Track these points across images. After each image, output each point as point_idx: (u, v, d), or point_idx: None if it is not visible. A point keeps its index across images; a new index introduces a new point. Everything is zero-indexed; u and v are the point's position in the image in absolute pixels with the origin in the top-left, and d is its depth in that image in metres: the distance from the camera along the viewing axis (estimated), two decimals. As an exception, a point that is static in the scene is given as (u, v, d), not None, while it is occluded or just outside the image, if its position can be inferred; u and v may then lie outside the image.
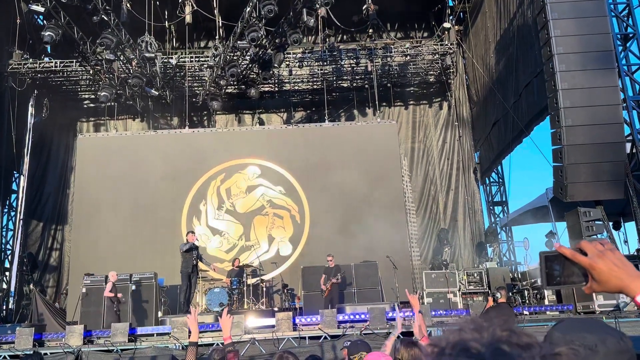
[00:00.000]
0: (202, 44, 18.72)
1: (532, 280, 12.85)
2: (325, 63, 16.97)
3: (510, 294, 11.79)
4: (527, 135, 13.30)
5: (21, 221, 15.92)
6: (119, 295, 11.04)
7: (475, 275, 12.67)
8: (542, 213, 13.51)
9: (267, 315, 10.75)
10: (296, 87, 17.92)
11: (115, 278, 11.11)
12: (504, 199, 17.42)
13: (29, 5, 12.42)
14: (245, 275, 13.22)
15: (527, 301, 12.64)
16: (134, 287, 11.85)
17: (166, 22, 16.28)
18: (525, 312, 10.99)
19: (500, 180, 17.60)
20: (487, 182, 17.69)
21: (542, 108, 11.83)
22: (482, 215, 17.17)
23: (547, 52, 10.38)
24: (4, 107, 15.64)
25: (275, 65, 15.06)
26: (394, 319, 9.77)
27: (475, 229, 16.82)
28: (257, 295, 12.88)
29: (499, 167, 17.39)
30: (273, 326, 9.71)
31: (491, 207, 17.45)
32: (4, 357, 9.41)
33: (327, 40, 16.94)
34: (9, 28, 15.21)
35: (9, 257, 16.20)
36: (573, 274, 1.23)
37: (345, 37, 18.61)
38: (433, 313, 10.41)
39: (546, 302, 11.81)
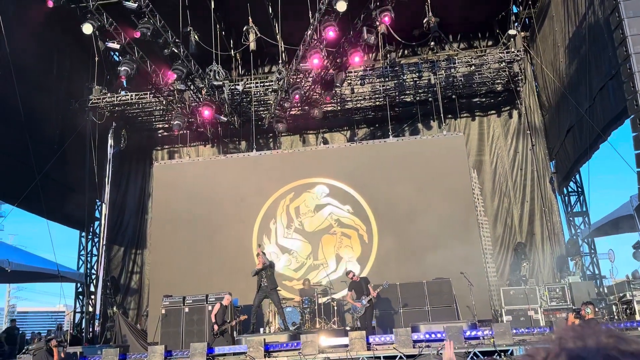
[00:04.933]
0: (266, 69, 19.23)
1: (621, 295, 12.01)
2: (387, 79, 16.90)
3: (597, 310, 11.06)
4: (604, 140, 12.57)
5: (104, 247, 16.82)
6: (233, 322, 11.49)
7: (558, 290, 12.02)
8: (628, 222, 12.66)
9: (339, 334, 10.67)
10: (358, 105, 17.94)
11: (227, 302, 11.61)
12: (584, 209, 16.44)
13: (106, 43, 13.29)
14: (316, 294, 13.25)
15: (615, 317, 11.83)
16: (210, 308, 12.16)
17: (232, 50, 16.92)
18: (614, 329, 10.24)
19: (580, 189, 16.65)
20: (565, 191, 16.78)
21: (620, 111, 11.15)
22: (562, 227, 16.31)
23: (623, 52, 9.81)
24: (86, 140, 16.75)
25: (338, 84, 15.18)
26: (471, 338, 9.43)
27: (554, 241, 15.99)
28: (328, 314, 12.86)
29: (577, 176, 16.46)
30: (346, 345, 9.62)
31: (571, 218, 16.52)
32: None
33: (388, 56, 16.89)
34: (88, 66, 16.35)
35: (94, 282, 17.14)
36: None
37: (406, 51, 18.50)
38: (514, 331, 9.94)
39: (637, 317, 10.98)
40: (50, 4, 11.31)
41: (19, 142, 13.20)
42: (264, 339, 9.86)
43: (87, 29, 12.41)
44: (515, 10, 16.80)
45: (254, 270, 11.51)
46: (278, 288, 12.62)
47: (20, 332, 16.99)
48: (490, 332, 9.49)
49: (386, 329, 11.40)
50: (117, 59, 16.57)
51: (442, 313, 11.73)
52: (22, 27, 13.30)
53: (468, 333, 9.60)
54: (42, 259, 16.19)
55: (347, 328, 12.01)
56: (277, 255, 15.12)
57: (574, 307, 11.50)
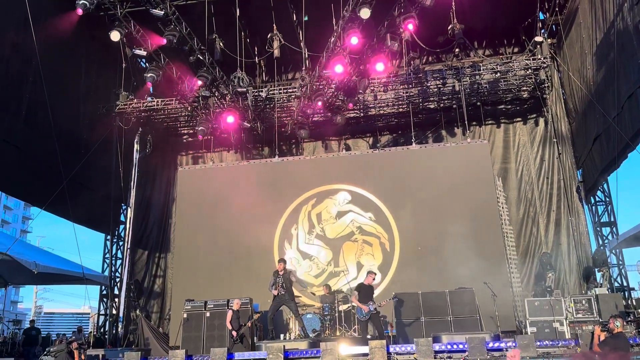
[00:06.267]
0: (290, 76, 19.33)
1: (650, 308, 11.68)
2: (410, 86, 16.80)
3: (625, 323, 10.76)
4: (633, 149, 12.26)
5: (128, 250, 17.05)
6: (249, 323, 11.55)
7: (584, 302, 11.75)
8: (658, 234, 12.30)
9: (359, 343, 10.58)
10: (381, 112, 17.88)
11: (237, 306, 11.62)
12: (612, 219, 16.04)
13: (133, 50, 13.54)
14: (336, 301, 13.18)
15: (644, 331, 11.49)
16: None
17: (256, 57, 17.06)
18: (642, 344, 9.96)
19: (607, 199, 16.25)
20: (593, 201, 16.41)
21: (650, 120, 10.89)
22: (589, 237, 15.95)
23: (654, 59, 9.59)
24: (113, 145, 17.05)
25: (360, 91, 15.16)
26: (494, 349, 9.27)
27: (581, 252, 15.65)
28: (349, 322, 12.77)
29: (605, 185, 16.10)
30: (366, 354, 9.55)
31: (598, 229, 16.14)
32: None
33: (412, 62, 16.80)
34: (115, 72, 16.67)
35: (118, 285, 17.38)
36: None
37: (430, 58, 18.39)
38: (538, 343, 9.73)
39: (668, 333, 10.65)
40: (80, 12, 11.58)
41: (47, 147, 13.48)
42: (284, 346, 9.85)
43: (115, 36, 12.66)
44: (542, 17, 16.57)
45: (271, 289, 11.53)
46: (298, 295, 12.60)
47: (45, 333, 17.26)
48: (514, 344, 9.31)
49: (407, 338, 11.28)
50: (143, 65, 16.84)
51: (464, 323, 11.54)
52: (52, 34, 13.61)
53: (491, 344, 9.44)
54: (68, 262, 16.50)
55: (368, 337, 11.90)
56: (298, 261, 15.17)
57: (600, 320, 11.22)
